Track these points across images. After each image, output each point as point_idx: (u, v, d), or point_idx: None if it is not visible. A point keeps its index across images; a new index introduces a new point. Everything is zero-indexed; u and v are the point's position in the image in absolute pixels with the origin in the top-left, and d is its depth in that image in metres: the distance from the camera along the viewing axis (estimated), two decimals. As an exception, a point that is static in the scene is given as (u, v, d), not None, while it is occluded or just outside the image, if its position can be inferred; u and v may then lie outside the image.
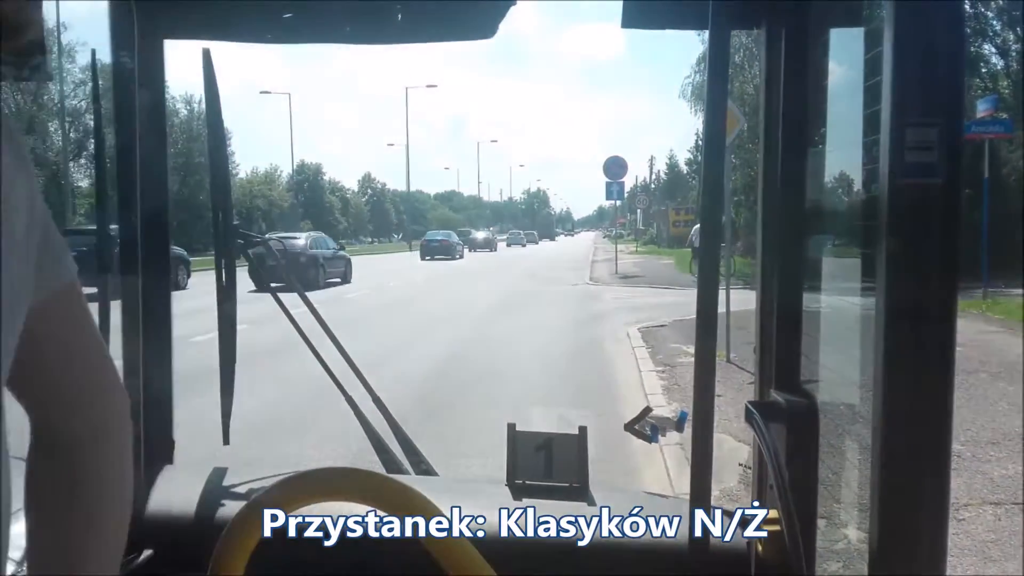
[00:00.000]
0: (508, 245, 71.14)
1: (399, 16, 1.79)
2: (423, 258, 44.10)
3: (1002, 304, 15.13)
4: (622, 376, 10.41)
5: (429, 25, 1.88)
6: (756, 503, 1.57)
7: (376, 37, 1.93)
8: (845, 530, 1.42)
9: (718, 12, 1.21)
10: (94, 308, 1.93)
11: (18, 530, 1.57)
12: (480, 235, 63.20)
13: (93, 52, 2.01)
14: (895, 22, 0.96)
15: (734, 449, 6.55)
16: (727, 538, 1.56)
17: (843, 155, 1.45)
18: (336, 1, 1.83)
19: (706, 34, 1.24)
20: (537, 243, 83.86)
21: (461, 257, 45.94)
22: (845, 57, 1.40)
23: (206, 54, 1.85)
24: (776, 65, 1.47)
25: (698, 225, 28.40)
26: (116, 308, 1.98)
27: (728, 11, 1.23)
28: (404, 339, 13.65)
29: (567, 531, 1.59)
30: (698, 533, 1.26)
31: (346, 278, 27.34)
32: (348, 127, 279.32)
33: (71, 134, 42.91)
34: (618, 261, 33.34)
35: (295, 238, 25.59)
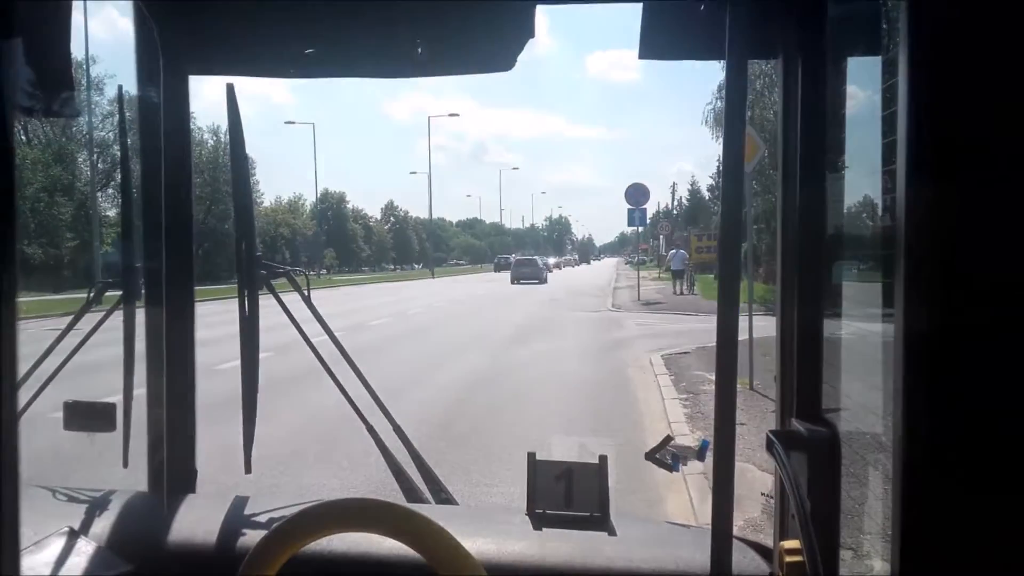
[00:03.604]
0: (563, 266, 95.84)
1: (419, 50, 1.82)
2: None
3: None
4: (645, 404, 10.34)
5: (449, 59, 1.91)
6: (779, 533, 1.55)
7: (397, 71, 1.96)
8: (870, 561, 1.40)
9: (734, 42, 1.22)
10: (119, 336, 1.97)
11: (42, 559, 1.59)
12: (552, 260, 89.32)
13: (120, 87, 2.05)
14: (910, 49, 0.97)
15: (757, 479, 6.48)
16: (749, 569, 1.54)
17: (862, 182, 1.45)
18: (358, 36, 1.86)
19: (725, 63, 1.25)
20: (579, 265, 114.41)
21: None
22: (863, 85, 1.40)
23: (230, 89, 1.89)
24: (793, 93, 1.47)
25: (673, 250, 31.40)
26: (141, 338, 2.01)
27: (745, 41, 1.24)
28: (426, 364, 13.66)
29: (587, 562, 1.58)
30: (720, 565, 1.25)
31: (544, 279, 49.74)
32: (372, 156, 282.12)
33: (99, 165, 43.66)
34: (640, 288, 33.26)
35: (538, 257, 59.68)
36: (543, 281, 48.23)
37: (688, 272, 35.32)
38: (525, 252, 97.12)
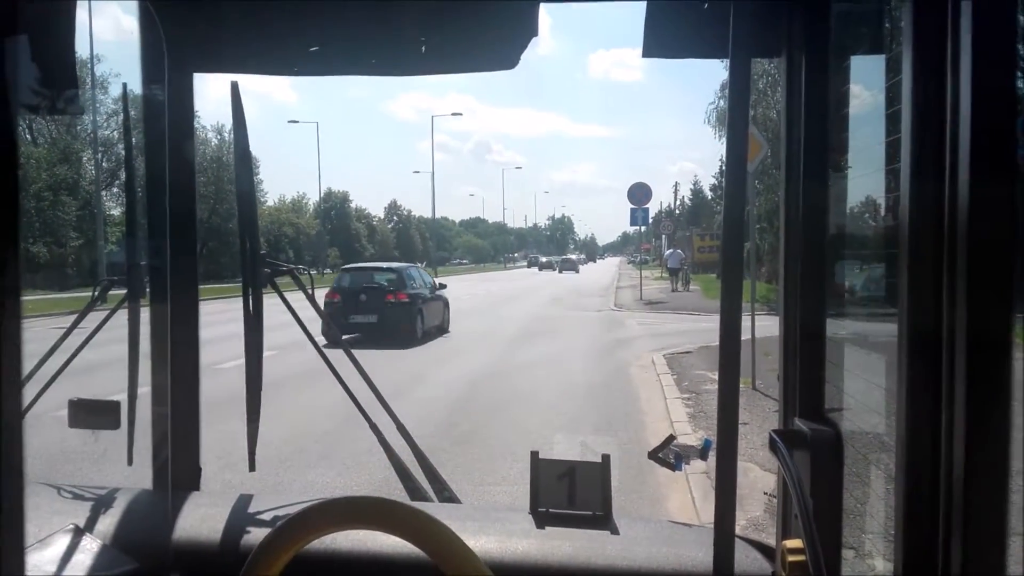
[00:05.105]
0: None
1: (423, 48, 1.82)
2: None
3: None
4: (647, 403, 10.34)
5: (452, 57, 1.91)
6: (781, 532, 1.55)
7: (401, 69, 1.96)
8: (872, 561, 1.40)
9: (738, 40, 1.23)
10: (124, 335, 1.98)
11: (47, 556, 1.60)
12: (571, 258, 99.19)
13: (124, 86, 2.06)
14: (914, 48, 0.97)
15: (759, 478, 6.48)
16: (752, 569, 1.55)
17: (866, 181, 1.45)
18: (361, 34, 1.86)
19: (728, 61, 1.25)
20: (586, 263, 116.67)
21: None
22: (866, 84, 1.40)
23: (234, 87, 1.89)
24: (796, 92, 1.47)
25: (670, 250, 32.81)
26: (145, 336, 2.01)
27: (748, 39, 1.24)
28: (428, 363, 13.67)
29: (590, 560, 1.58)
30: (722, 563, 1.25)
31: (579, 271, 69.91)
32: (375, 155, 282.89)
33: (104, 164, 43.55)
34: (643, 287, 33.23)
35: (563, 256, 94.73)
36: (578, 272, 68.73)
37: (684, 270, 37.63)
38: (529, 250, 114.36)
